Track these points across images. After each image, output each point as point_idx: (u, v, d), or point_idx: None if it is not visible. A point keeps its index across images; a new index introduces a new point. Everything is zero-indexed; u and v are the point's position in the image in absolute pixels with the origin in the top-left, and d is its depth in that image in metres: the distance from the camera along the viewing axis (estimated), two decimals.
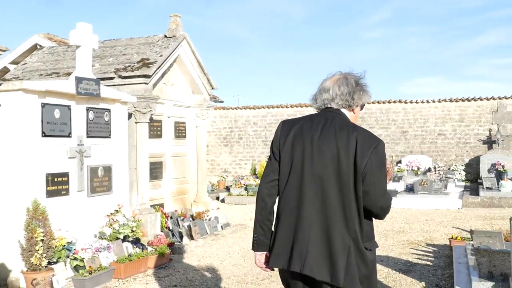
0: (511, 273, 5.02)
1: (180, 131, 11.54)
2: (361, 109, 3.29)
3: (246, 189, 17.29)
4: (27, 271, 6.12)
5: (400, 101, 21.46)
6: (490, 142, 19.97)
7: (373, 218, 3.06)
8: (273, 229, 3.14)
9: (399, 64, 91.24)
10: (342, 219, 2.92)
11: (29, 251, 6.12)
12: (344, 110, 3.17)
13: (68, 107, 7.33)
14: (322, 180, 2.97)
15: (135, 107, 9.34)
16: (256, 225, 3.15)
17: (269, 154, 3.22)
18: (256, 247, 3.16)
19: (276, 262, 3.02)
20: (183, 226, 10.00)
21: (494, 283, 5.23)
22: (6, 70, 14.79)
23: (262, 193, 3.14)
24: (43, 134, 6.83)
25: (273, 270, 3.16)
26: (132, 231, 7.86)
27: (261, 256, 3.16)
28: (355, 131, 3.00)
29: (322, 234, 2.93)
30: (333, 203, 2.94)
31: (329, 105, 3.18)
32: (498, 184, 16.02)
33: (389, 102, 21.51)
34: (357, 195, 2.93)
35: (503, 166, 17.18)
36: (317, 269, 2.89)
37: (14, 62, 14.84)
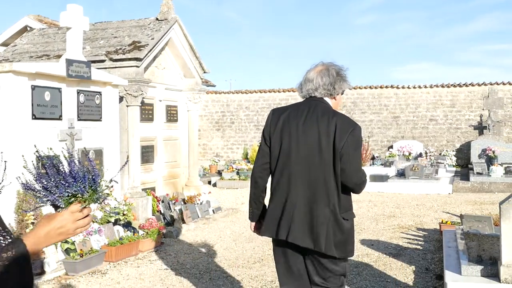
0: (500, 257, 5.06)
1: (171, 115, 11.50)
2: (342, 94, 3.68)
3: (238, 173, 17.31)
4: None
5: (392, 86, 21.47)
6: (481, 128, 20.06)
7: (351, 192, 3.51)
8: (266, 203, 3.65)
9: (390, 49, 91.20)
10: (324, 194, 3.39)
11: (20, 234, 6.11)
12: (326, 98, 3.58)
13: (59, 89, 7.28)
14: (306, 160, 3.42)
15: (126, 90, 9.29)
16: (251, 201, 3.67)
17: (261, 139, 3.63)
18: (251, 218, 3.73)
19: (266, 232, 3.56)
20: (174, 210, 10.00)
21: (483, 266, 5.27)
22: None
23: (255, 175, 3.61)
24: (33, 117, 6.79)
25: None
26: (124, 214, 7.86)
27: (253, 225, 3.76)
28: (335, 116, 3.43)
29: (306, 207, 3.41)
30: (316, 180, 3.40)
31: (313, 94, 3.58)
32: (488, 169, 16.12)
33: (381, 87, 21.52)
34: (336, 172, 3.37)
35: (493, 152, 17.28)
36: (301, 237, 3.38)
37: (4, 44, 14.72)
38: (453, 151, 20.30)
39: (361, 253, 7.34)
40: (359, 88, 21.87)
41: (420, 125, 21.09)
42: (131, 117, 9.50)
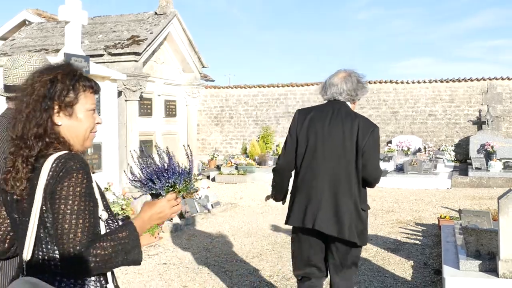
0: (498, 251, 5.06)
1: (170, 110, 11.49)
2: (359, 100, 4.17)
3: (236, 168, 17.30)
4: None
5: (391, 82, 21.46)
6: (479, 123, 20.06)
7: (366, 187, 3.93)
8: (289, 194, 4.06)
9: (389, 45, 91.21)
10: (347, 187, 3.77)
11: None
12: (348, 102, 4.00)
13: None
14: (331, 157, 3.80)
15: (125, 85, 9.28)
16: (276, 187, 4.09)
17: (287, 136, 4.01)
18: (275, 199, 4.18)
19: (293, 221, 3.87)
20: None
21: (481, 261, 5.28)
22: None
23: (282, 167, 3.99)
24: None
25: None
26: (122, 209, 7.85)
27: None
28: (357, 118, 3.85)
29: (331, 199, 3.77)
30: (340, 175, 3.78)
31: (337, 98, 3.98)
32: (487, 164, 16.13)
33: (380, 82, 21.50)
34: (358, 168, 3.77)
35: (492, 147, 17.29)
36: (326, 226, 3.73)
37: (2, 38, 14.68)
38: (452, 146, 20.30)
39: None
40: None
41: (419, 120, 21.08)
42: (130, 111, 9.49)
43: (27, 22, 14.06)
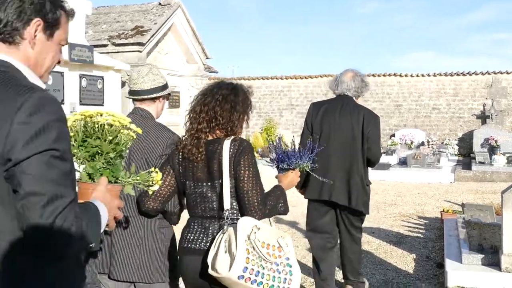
0: (501, 245, 5.06)
1: (174, 101, 11.49)
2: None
3: None
4: None
5: (395, 75, 21.39)
6: (483, 117, 20.01)
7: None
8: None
9: (392, 38, 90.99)
10: (354, 167, 4.66)
11: None
12: (353, 97, 4.83)
13: (61, 73, 7.25)
14: (342, 142, 4.67)
15: (128, 75, 9.27)
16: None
17: (303, 126, 4.91)
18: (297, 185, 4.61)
19: (311, 195, 4.77)
20: None
21: (484, 255, 5.27)
22: None
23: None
24: None
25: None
26: None
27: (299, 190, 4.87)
28: (362, 110, 4.76)
29: (343, 176, 4.65)
30: (349, 156, 4.67)
31: (346, 93, 4.80)
32: (490, 158, 16.10)
33: (384, 75, 21.45)
34: (363, 150, 4.67)
35: (496, 141, 17.25)
36: (340, 198, 4.65)
37: None
38: (456, 140, 20.26)
39: (362, 241, 7.34)
40: None
41: (423, 114, 21.04)
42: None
43: None
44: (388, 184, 13.76)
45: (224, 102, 2.79)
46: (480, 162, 16.05)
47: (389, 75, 21.41)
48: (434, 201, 11.08)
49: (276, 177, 3.10)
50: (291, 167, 3.07)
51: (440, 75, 20.93)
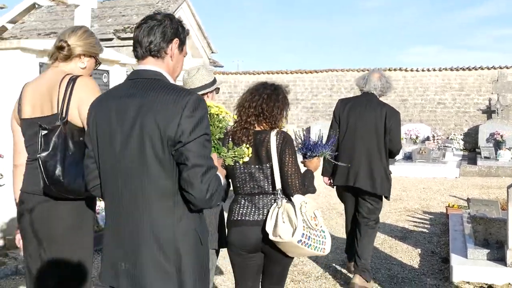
0: (507, 240, 5.05)
1: None
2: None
3: None
4: None
5: (400, 69, 21.32)
6: (489, 112, 19.93)
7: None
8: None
9: (397, 33, 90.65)
10: (378, 156, 5.26)
11: None
12: (377, 95, 5.43)
13: None
14: (367, 134, 5.26)
15: (134, 69, 9.29)
16: (325, 162, 5.28)
17: (332, 119, 5.55)
18: (323, 173, 5.52)
19: (338, 181, 5.39)
20: None
21: (489, 250, 5.28)
22: (4, 29, 14.63)
23: None
24: None
25: (333, 186, 5.62)
26: None
27: (326, 178, 5.55)
28: (385, 106, 5.35)
29: (367, 165, 5.23)
30: (373, 147, 5.26)
31: (373, 91, 5.41)
32: (496, 153, 16.05)
33: (389, 70, 21.37)
34: (385, 142, 5.25)
35: (501, 136, 17.19)
36: (364, 184, 5.21)
37: (12, 21, 14.67)
38: (461, 135, 20.19)
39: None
40: (367, 70, 21.66)
41: (428, 109, 20.98)
42: None
43: (36, 6, 14.03)
44: (393, 178, 13.69)
45: (269, 101, 3.47)
46: (485, 157, 16.00)
47: (394, 69, 21.34)
48: (439, 196, 11.07)
49: (302, 162, 3.64)
50: (315, 155, 3.65)
51: (446, 69, 20.85)
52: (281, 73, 22.48)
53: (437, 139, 19.47)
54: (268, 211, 3.33)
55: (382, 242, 7.13)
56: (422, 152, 15.52)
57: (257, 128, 3.45)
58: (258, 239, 3.33)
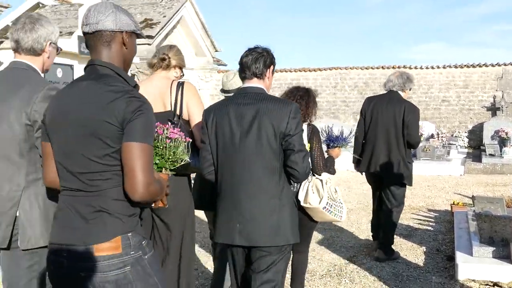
0: None
1: None
2: (409, 90, 6.32)
3: None
4: None
5: (404, 67, 21.26)
6: (494, 109, 19.86)
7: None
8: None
9: (401, 30, 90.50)
10: (396, 147, 6.03)
11: None
12: (400, 92, 6.20)
13: (71, 66, 7.28)
14: (387, 127, 6.04)
15: (137, 68, 9.28)
16: (356, 151, 6.28)
17: (359, 115, 6.39)
18: (355, 162, 6.41)
19: (362, 168, 6.28)
20: None
21: (494, 248, 5.26)
22: (8, 28, 14.66)
23: (358, 133, 6.25)
24: None
25: (362, 173, 6.49)
26: None
27: (355, 165, 6.44)
28: (404, 102, 6.11)
29: (386, 154, 6.05)
30: (392, 139, 6.03)
31: (392, 89, 6.22)
32: (501, 151, 15.99)
33: (393, 67, 21.31)
34: (404, 134, 6.00)
35: (506, 133, 17.11)
36: (383, 171, 6.06)
37: None
38: (466, 132, 20.14)
39: (371, 234, 7.34)
40: (371, 68, 21.72)
41: (432, 106, 20.93)
42: None
43: (40, 5, 14.05)
44: None
45: (301, 101, 4.32)
46: (490, 155, 15.96)
47: (398, 67, 21.27)
48: (444, 193, 11.05)
49: (326, 151, 4.58)
50: (336, 145, 4.62)
51: (450, 67, 20.79)
52: (285, 71, 22.44)
53: (442, 136, 19.42)
54: (296, 185, 4.19)
55: None
56: (426, 150, 15.49)
57: None
58: None
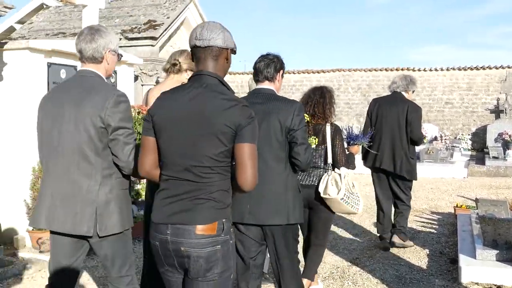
0: None
1: None
2: (412, 92, 6.82)
3: None
4: (32, 230, 6.16)
5: (407, 69, 21.26)
6: (497, 112, 19.83)
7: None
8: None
9: (405, 31, 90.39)
10: (399, 144, 6.53)
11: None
12: (403, 92, 6.72)
13: (75, 67, 7.27)
14: (391, 125, 6.55)
15: (141, 70, 9.29)
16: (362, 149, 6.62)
17: (366, 115, 6.90)
18: (362, 159, 6.90)
19: (369, 164, 6.75)
20: None
21: (498, 251, 5.24)
22: (12, 29, 14.67)
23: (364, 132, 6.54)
24: None
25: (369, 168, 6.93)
26: (137, 193, 7.89)
27: (363, 161, 6.89)
28: (407, 102, 6.61)
29: (391, 151, 6.53)
30: (396, 136, 6.53)
31: (396, 90, 6.75)
32: (504, 153, 15.97)
33: (396, 69, 21.32)
34: (407, 132, 6.51)
35: (510, 136, 17.08)
36: (388, 165, 6.56)
37: (20, 22, 14.71)
38: (469, 135, 20.11)
39: (374, 236, 7.33)
40: (374, 70, 21.70)
41: (436, 109, 20.90)
42: None
43: (44, 6, 14.08)
44: None
45: (318, 105, 4.87)
46: (493, 157, 15.93)
47: (402, 69, 21.27)
48: (447, 196, 11.03)
49: (347, 148, 5.04)
50: (356, 143, 5.21)
51: (454, 69, 20.77)
52: (288, 73, 22.44)
53: (445, 139, 19.38)
54: (316, 179, 4.72)
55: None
56: (429, 152, 15.46)
57: (314, 123, 4.81)
58: (304, 198, 4.38)
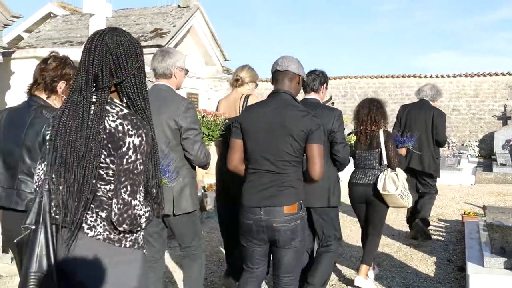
0: None
1: (192, 102, 11.51)
2: (437, 101, 7.66)
3: None
4: None
5: (414, 76, 21.24)
6: (505, 118, 19.76)
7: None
8: None
9: (411, 37, 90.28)
10: (427, 144, 7.31)
11: None
12: (430, 101, 7.51)
13: None
14: (419, 129, 7.12)
15: (147, 78, 9.32)
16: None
17: (395, 120, 7.71)
18: None
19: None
20: None
21: (506, 259, 5.20)
22: (20, 38, 14.76)
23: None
24: None
25: None
26: None
27: None
28: (433, 109, 7.41)
29: (418, 151, 6.98)
30: (422, 138, 7.18)
31: (424, 98, 7.56)
32: None
33: (403, 76, 21.30)
34: (433, 135, 7.34)
35: None
36: (416, 164, 7.31)
37: (28, 31, 14.81)
38: (476, 141, 20.04)
39: (381, 244, 7.28)
40: (381, 77, 21.69)
41: None
42: None
43: (52, 15, 14.16)
44: None
45: (370, 114, 5.51)
46: (501, 164, 15.87)
47: (408, 76, 21.26)
48: (455, 203, 10.98)
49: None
50: (404, 146, 6.04)
51: (460, 76, 20.73)
52: None
53: (452, 145, 19.33)
54: (372, 178, 5.39)
55: (397, 250, 7.08)
56: None
57: (369, 129, 5.50)
58: (362, 194, 5.43)
